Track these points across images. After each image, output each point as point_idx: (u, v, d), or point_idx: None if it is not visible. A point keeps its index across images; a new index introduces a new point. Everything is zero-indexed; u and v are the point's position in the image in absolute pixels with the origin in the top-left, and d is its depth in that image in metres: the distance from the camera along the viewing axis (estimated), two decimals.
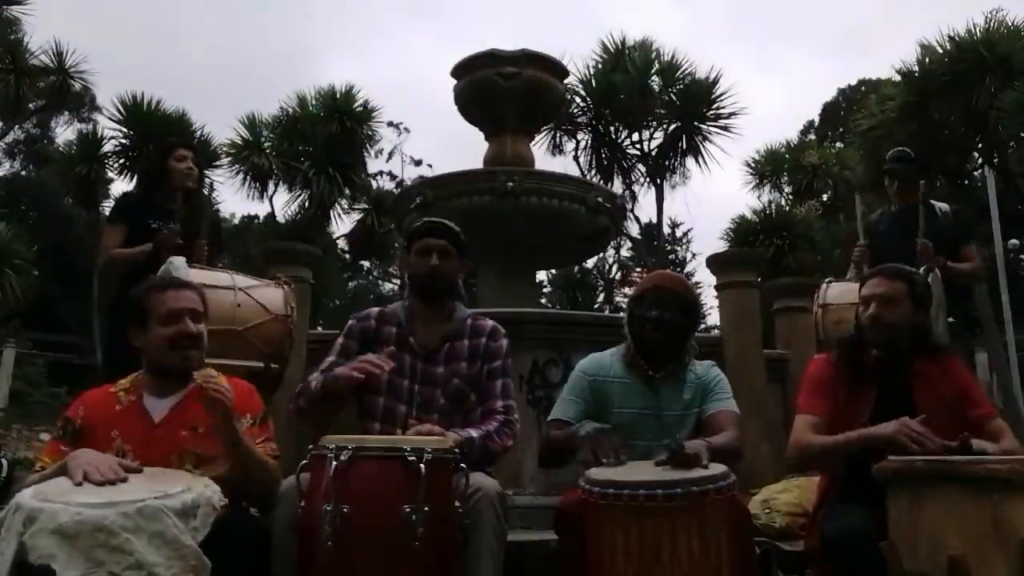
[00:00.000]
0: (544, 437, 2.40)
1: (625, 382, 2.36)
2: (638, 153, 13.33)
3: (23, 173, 22.28)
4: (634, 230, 15.51)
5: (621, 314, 2.49)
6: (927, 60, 9.54)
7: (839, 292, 3.51)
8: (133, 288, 2.31)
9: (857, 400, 2.20)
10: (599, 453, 2.03)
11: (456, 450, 1.93)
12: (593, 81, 12.56)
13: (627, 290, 13.84)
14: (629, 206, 12.74)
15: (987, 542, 1.63)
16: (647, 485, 1.76)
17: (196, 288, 2.20)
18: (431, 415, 2.23)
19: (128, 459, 1.88)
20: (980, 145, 10.21)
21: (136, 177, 11.29)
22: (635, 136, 13.20)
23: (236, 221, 22.16)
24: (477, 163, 6.05)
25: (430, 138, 51.73)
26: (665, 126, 13.01)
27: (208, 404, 1.89)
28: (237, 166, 13.01)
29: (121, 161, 12.56)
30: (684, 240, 23.35)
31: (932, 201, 3.70)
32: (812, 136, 22.17)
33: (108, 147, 12.54)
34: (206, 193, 3.87)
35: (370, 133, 13.84)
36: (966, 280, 3.65)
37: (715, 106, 12.51)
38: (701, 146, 12.75)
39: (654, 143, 13.18)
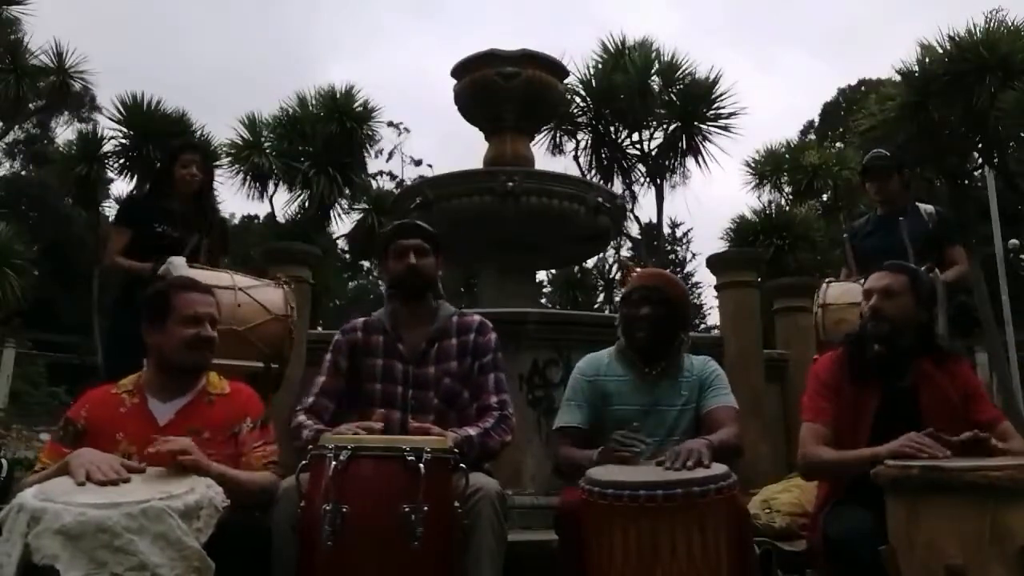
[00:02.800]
0: (558, 452, 2.38)
1: (623, 380, 2.37)
2: (638, 153, 13.31)
3: (23, 173, 22.30)
4: (634, 230, 15.52)
5: (637, 321, 2.49)
6: (927, 60, 9.53)
7: (839, 292, 3.51)
8: (152, 285, 2.31)
9: (861, 400, 2.20)
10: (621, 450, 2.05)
11: (455, 450, 1.93)
12: (593, 81, 12.54)
13: (631, 295, 13.94)
14: (629, 206, 12.73)
15: (985, 550, 1.61)
16: (647, 486, 1.76)
17: (214, 294, 2.22)
18: (426, 417, 2.24)
19: (133, 462, 1.88)
20: (980, 145, 10.21)
21: (144, 178, 11.29)
22: (635, 136, 13.18)
23: (236, 221, 22.17)
24: (477, 163, 6.05)
25: (430, 138, 51.79)
26: (665, 126, 12.99)
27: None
28: (237, 166, 13.00)
29: (121, 161, 12.55)
30: (684, 240, 23.36)
31: (918, 203, 3.70)
32: (812, 136, 22.17)
33: (108, 147, 12.54)
34: (213, 194, 3.88)
35: (370, 133, 13.83)
36: (956, 285, 3.65)
37: (715, 106, 12.49)
38: (701, 146, 12.73)
39: (654, 143, 13.16)
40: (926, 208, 3.67)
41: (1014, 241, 15.77)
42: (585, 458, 2.15)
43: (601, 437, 2.28)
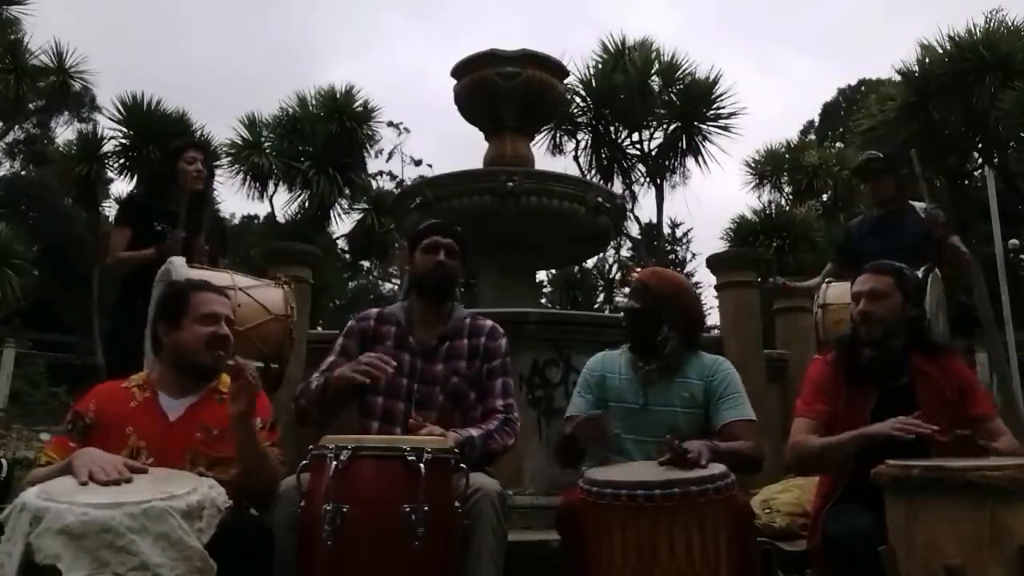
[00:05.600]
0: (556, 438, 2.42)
1: (625, 378, 2.38)
2: (638, 153, 13.33)
3: (23, 173, 22.29)
4: (634, 230, 15.55)
5: (622, 314, 2.51)
6: (927, 60, 9.55)
7: (839, 292, 3.51)
8: (168, 286, 2.33)
9: (857, 400, 2.20)
10: (585, 434, 2.08)
11: (456, 450, 1.94)
12: (593, 81, 12.56)
13: (627, 290, 13.89)
14: (629, 206, 12.75)
15: (984, 550, 1.61)
16: (645, 485, 1.76)
17: (228, 297, 2.24)
18: (430, 413, 2.24)
19: (142, 457, 1.89)
20: (980, 145, 10.22)
21: (143, 178, 11.30)
22: (635, 136, 13.20)
23: (236, 221, 22.19)
24: (477, 163, 6.05)
25: (430, 138, 51.77)
26: (665, 126, 13.01)
27: (237, 391, 1.92)
28: (237, 166, 13.02)
29: (121, 161, 12.57)
30: (684, 240, 23.30)
31: (911, 201, 3.70)
32: (812, 136, 22.18)
33: (108, 147, 12.56)
34: (213, 194, 3.87)
35: (370, 133, 13.86)
36: (960, 267, 3.65)
37: (715, 106, 12.51)
38: (701, 146, 12.75)
39: (654, 143, 13.19)
40: (921, 206, 3.67)
41: (1014, 241, 15.76)
42: (562, 435, 2.21)
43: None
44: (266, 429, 2.10)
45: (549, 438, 3.58)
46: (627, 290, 2.66)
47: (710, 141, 12.66)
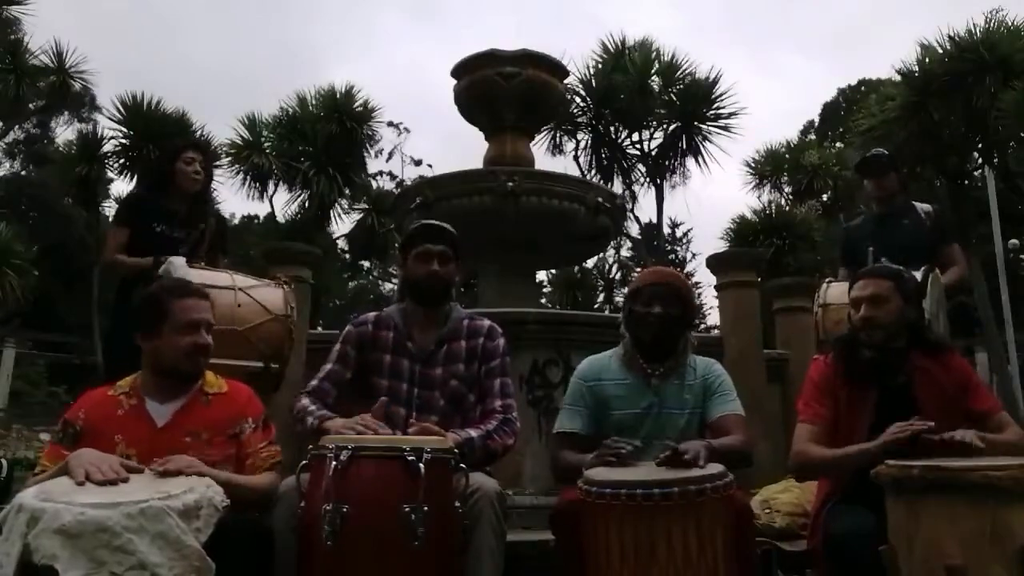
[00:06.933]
0: (555, 455, 2.36)
1: (624, 382, 2.35)
2: (638, 153, 13.33)
3: (23, 173, 22.31)
4: (634, 230, 15.56)
5: (621, 314, 2.48)
6: (927, 60, 9.54)
7: (839, 292, 3.50)
8: (143, 289, 2.30)
9: (858, 400, 2.20)
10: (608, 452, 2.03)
11: (456, 450, 1.93)
12: (593, 81, 12.56)
13: (627, 290, 13.85)
14: (629, 206, 12.75)
15: (985, 550, 1.61)
16: (643, 485, 1.76)
17: (209, 297, 2.20)
18: (430, 417, 2.23)
19: (132, 462, 1.87)
20: (980, 145, 10.21)
21: (143, 178, 11.29)
22: (635, 136, 13.20)
23: (236, 221, 22.19)
24: (477, 163, 6.05)
25: (430, 138, 51.78)
26: (665, 126, 13.00)
27: None
28: (237, 166, 13.01)
29: (121, 161, 12.56)
30: (684, 240, 23.33)
31: (914, 202, 3.70)
32: (812, 136, 22.18)
33: (108, 147, 12.55)
34: (212, 194, 3.86)
35: (370, 133, 13.85)
36: (956, 286, 3.63)
37: (715, 106, 12.50)
38: (701, 146, 12.75)
39: (654, 143, 13.18)
40: (923, 207, 3.67)
41: (1014, 241, 15.78)
42: (580, 462, 2.12)
43: (601, 442, 2.27)
44: (259, 429, 2.10)
45: (549, 438, 3.57)
46: (643, 292, 2.56)
47: (710, 141, 12.67)
